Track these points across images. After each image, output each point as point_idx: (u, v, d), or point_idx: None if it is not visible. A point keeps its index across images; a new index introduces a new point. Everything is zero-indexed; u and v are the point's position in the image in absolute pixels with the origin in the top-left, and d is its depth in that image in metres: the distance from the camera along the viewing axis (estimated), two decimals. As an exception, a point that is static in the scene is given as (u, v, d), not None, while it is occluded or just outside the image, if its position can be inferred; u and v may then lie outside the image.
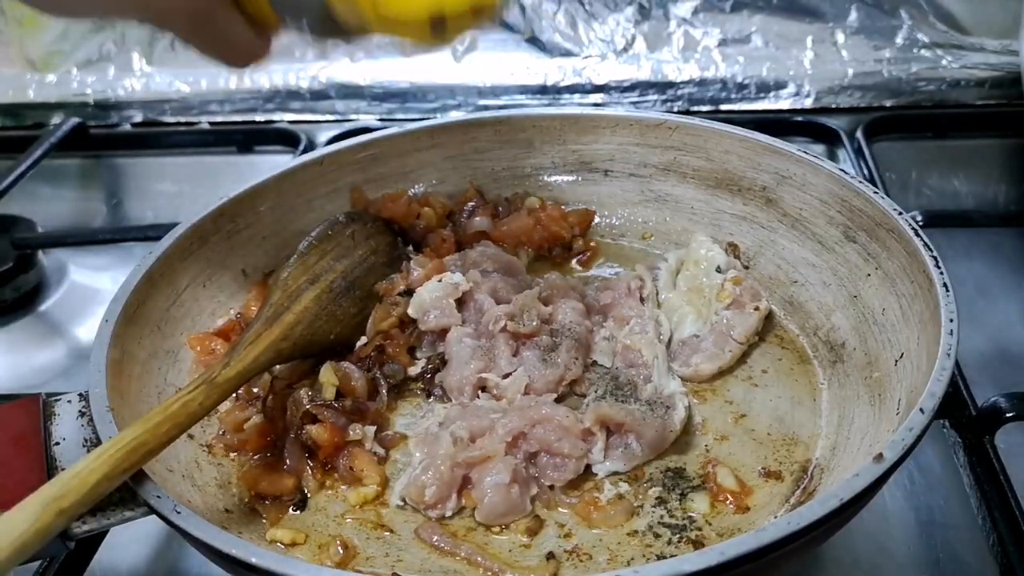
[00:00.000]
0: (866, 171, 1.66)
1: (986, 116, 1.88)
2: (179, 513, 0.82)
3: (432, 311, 1.20)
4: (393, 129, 1.45)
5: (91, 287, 1.69)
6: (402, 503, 1.03)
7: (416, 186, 1.45)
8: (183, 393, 0.94)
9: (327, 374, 1.11)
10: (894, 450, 0.79)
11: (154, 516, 0.87)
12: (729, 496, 1.00)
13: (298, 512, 1.03)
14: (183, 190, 2.00)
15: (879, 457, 0.79)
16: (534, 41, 2.01)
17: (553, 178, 1.48)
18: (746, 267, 1.30)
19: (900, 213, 1.10)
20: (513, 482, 0.99)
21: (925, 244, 1.05)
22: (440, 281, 1.22)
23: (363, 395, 1.12)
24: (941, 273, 1.00)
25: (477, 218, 1.41)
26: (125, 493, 0.88)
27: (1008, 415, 1.11)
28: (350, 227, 1.30)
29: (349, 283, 1.23)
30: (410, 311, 1.21)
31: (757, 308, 1.20)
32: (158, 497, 0.85)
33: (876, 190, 1.16)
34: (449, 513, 1.01)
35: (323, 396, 1.08)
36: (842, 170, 1.21)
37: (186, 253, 1.23)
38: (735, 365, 1.18)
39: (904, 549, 1.07)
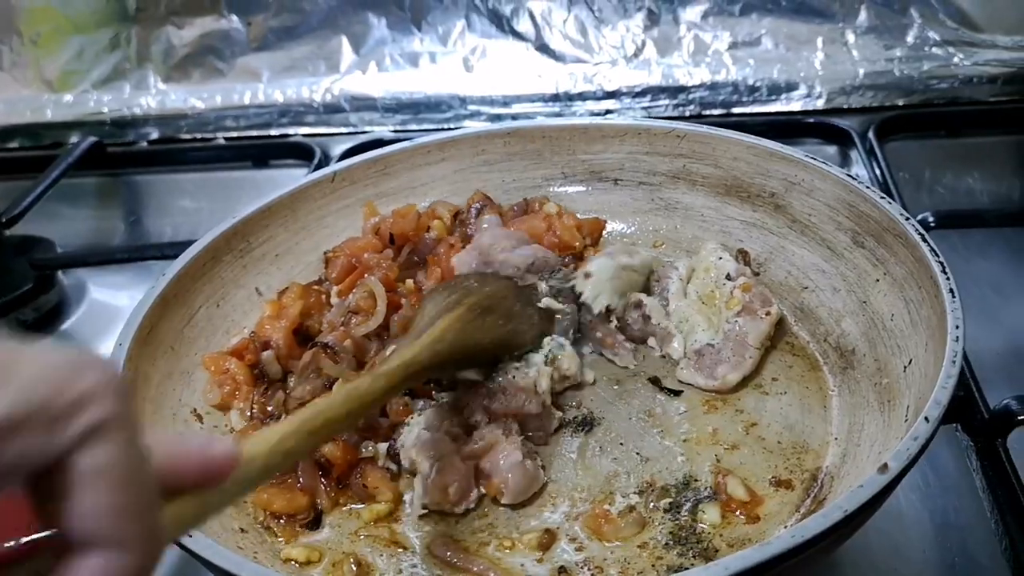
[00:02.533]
0: (878, 171, 1.65)
1: (999, 113, 1.87)
2: (191, 536, 0.83)
3: None
4: (403, 144, 1.46)
5: (111, 305, 1.71)
6: (426, 511, 1.04)
7: (426, 199, 1.46)
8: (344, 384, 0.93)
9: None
10: (899, 460, 0.80)
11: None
12: (739, 506, 1.00)
13: (312, 530, 1.04)
14: (200, 206, 2.01)
15: (883, 468, 0.79)
16: (545, 49, 2.02)
17: (563, 188, 1.49)
18: (756, 274, 1.30)
19: (907, 218, 1.10)
20: (525, 457, 1.04)
21: (932, 249, 1.04)
22: None
23: (375, 411, 1.12)
24: (947, 279, 1.00)
25: (486, 215, 1.41)
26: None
27: (1020, 418, 1.10)
28: (469, 278, 1.26)
29: (487, 307, 1.18)
30: None
31: (768, 313, 1.20)
32: (171, 520, 0.86)
33: (883, 195, 1.16)
34: (473, 505, 1.04)
35: (336, 413, 1.09)
36: (849, 175, 1.22)
37: (199, 273, 1.25)
38: (745, 372, 1.19)
39: (919, 552, 1.07)
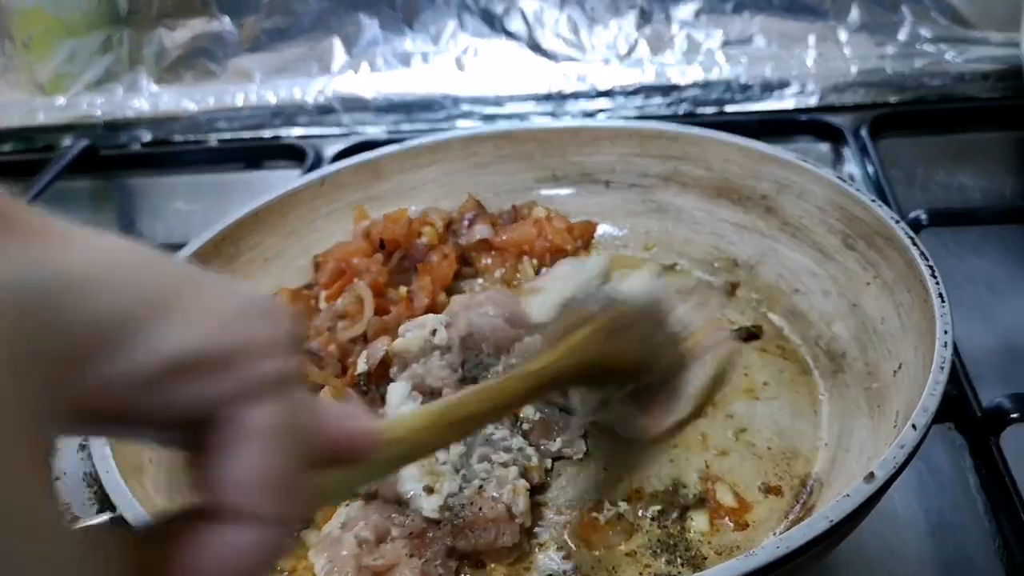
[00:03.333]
0: (871, 169, 1.64)
1: (992, 110, 1.86)
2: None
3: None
4: (392, 147, 1.45)
5: (104, 309, 1.70)
6: None
7: (417, 202, 1.45)
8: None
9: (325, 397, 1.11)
10: (885, 469, 0.79)
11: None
12: (728, 513, 1.00)
13: (298, 536, 1.02)
14: (194, 208, 2.00)
15: (870, 476, 0.78)
16: (537, 48, 2.01)
17: (554, 191, 1.48)
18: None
19: (897, 221, 1.10)
20: None
21: (922, 253, 1.04)
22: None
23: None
24: (937, 283, 0.99)
25: (478, 226, 1.41)
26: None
27: (1013, 416, 1.10)
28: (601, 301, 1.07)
29: (625, 324, 1.01)
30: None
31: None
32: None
33: (873, 198, 1.16)
34: None
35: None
36: (840, 177, 1.21)
37: (187, 280, 1.23)
38: (736, 377, 1.17)
39: (914, 552, 1.06)
